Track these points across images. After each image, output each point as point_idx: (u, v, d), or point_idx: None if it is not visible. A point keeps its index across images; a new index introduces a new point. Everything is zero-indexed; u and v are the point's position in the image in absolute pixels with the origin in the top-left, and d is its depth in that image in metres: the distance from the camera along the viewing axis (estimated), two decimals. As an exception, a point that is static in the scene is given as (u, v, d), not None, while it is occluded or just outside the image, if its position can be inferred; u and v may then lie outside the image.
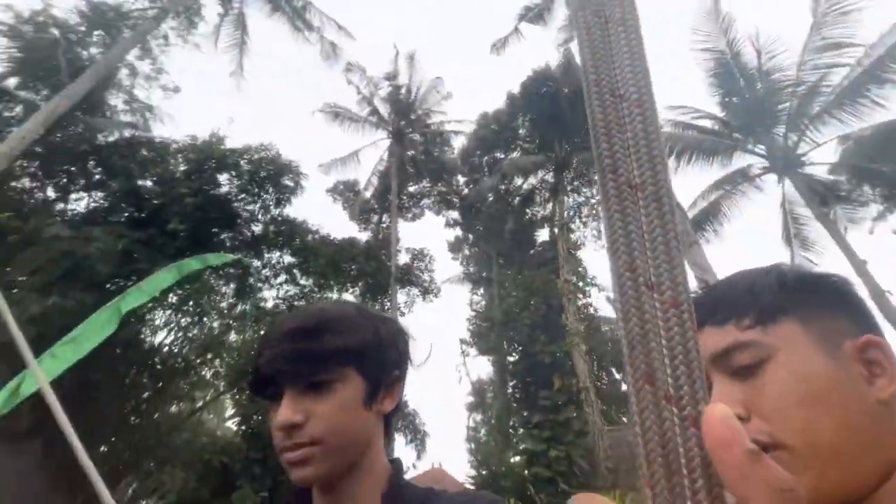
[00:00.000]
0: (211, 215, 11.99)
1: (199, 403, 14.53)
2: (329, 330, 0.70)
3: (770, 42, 12.33)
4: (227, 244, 12.86)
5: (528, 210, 21.02)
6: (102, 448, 11.74)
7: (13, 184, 12.07)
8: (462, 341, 19.50)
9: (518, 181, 20.54)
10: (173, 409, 14.04)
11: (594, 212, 21.11)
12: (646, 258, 0.28)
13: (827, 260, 13.26)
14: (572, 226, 18.59)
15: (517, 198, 20.90)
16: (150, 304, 11.99)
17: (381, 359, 0.74)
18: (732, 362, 0.50)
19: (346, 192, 22.65)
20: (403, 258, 19.53)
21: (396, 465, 0.76)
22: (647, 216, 0.28)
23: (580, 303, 16.15)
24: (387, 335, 0.76)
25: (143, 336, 12.44)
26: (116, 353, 11.02)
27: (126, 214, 12.37)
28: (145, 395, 12.76)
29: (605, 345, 16.88)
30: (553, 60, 19.31)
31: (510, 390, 16.97)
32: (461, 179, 22.57)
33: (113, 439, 11.83)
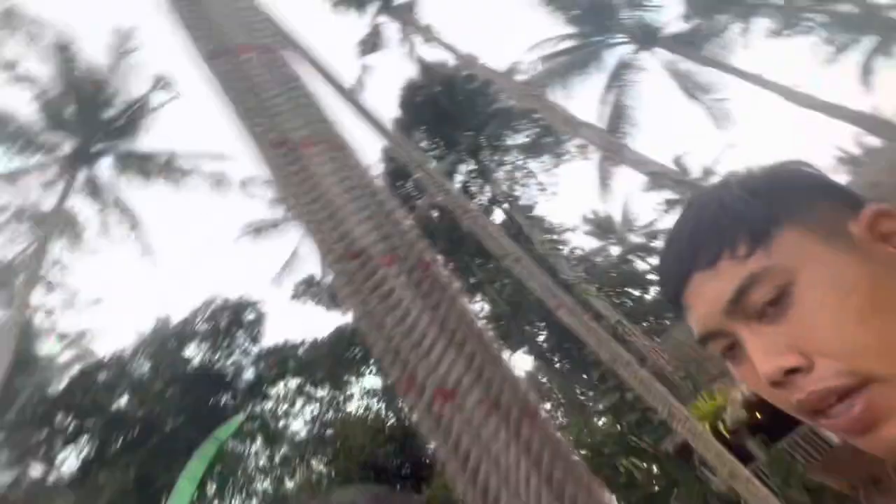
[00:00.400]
0: (200, 391, 11.43)
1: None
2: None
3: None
4: (232, 404, 12.28)
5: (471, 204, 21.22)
6: None
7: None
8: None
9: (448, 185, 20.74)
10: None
11: (527, 171, 21.61)
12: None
13: (729, 90, 14.06)
14: (515, 192, 18.89)
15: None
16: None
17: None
18: (752, 303, 0.40)
19: (308, 289, 22.19)
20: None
21: None
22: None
23: (564, 251, 16.30)
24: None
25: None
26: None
27: (119, 443, 11.62)
28: None
29: (609, 273, 17.03)
30: (411, 72, 19.89)
31: (558, 365, 16.81)
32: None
33: None
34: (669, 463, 9.70)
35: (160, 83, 14.44)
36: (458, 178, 20.81)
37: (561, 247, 16.48)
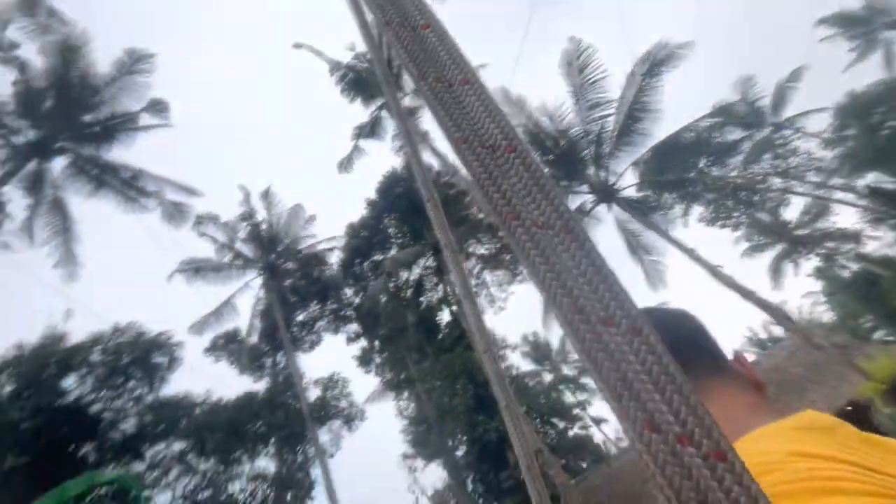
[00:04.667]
0: (61, 432, 9.67)
1: None
2: None
3: (557, 108, 15.54)
4: (92, 458, 10.36)
5: (422, 299, 21.41)
6: None
7: None
8: (405, 456, 17.93)
9: (404, 275, 21.06)
10: None
11: (480, 280, 22.46)
12: (586, 294, 0.25)
13: (670, 259, 15.98)
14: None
15: (409, 290, 21.26)
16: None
17: None
18: None
19: (227, 345, 20.48)
20: (314, 393, 17.90)
21: None
22: (568, 251, 0.26)
23: (503, 366, 16.36)
24: None
25: None
26: None
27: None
28: None
29: (537, 398, 17.09)
30: (397, 163, 21.30)
31: (471, 487, 15.79)
32: (349, 291, 22.29)
33: None
34: None
35: (155, 106, 14.58)
36: (416, 271, 21.25)
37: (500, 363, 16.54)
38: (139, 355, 10.89)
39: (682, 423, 0.21)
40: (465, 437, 14.93)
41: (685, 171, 17.66)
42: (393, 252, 21.07)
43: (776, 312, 11.66)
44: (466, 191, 15.42)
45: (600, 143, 15.33)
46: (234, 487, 12.39)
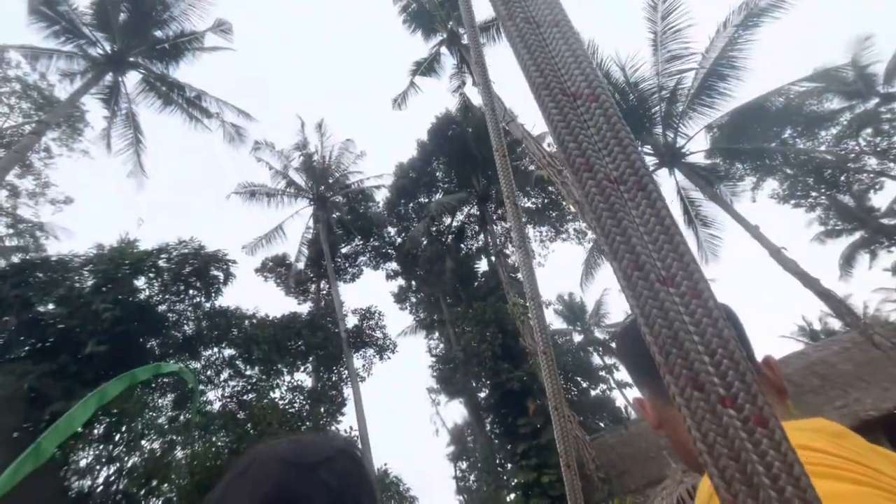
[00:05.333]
0: (133, 326, 10.94)
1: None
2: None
3: (630, 59, 14.28)
4: (157, 352, 11.73)
5: (462, 245, 21.58)
6: None
7: None
8: (430, 390, 19.01)
9: (447, 220, 21.15)
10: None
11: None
12: (649, 252, 0.25)
13: (726, 233, 15.02)
14: (506, 251, 19.32)
15: (450, 236, 21.43)
16: (71, 443, 10.44)
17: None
18: None
19: (276, 268, 21.82)
20: (352, 321, 18.97)
21: None
22: (637, 207, 0.26)
23: (531, 322, 16.56)
24: (341, 485, 0.61)
25: (69, 484, 10.70)
26: (39, 511, 9.35)
27: (27, 348, 10.90)
28: (83, 552, 10.80)
29: (565, 356, 17.30)
30: (451, 105, 20.67)
31: (488, 427, 16.65)
32: (392, 230, 22.77)
33: None
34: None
35: (220, 26, 14.68)
36: (459, 218, 21.26)
37: (529, 316, 16.72)
38: (199, 267, 11.85)
39: (728, 385, 0.22)
40: (488, 382, 15.54)
41: (766, 140, 16.05)
42: (438, 196, 21.07)
43: (838, 304, 10.88)
44: (520, 140, 14.86)
45: (673, 101, 14.10)
46: (275, 395, 13.73)
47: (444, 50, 18.32)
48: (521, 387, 14.17)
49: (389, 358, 18.93)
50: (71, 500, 10.31)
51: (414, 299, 22.84)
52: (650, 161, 15.36)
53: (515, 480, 13.04)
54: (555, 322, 25.62)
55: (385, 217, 22.16)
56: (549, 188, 18.92)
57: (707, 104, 13.87)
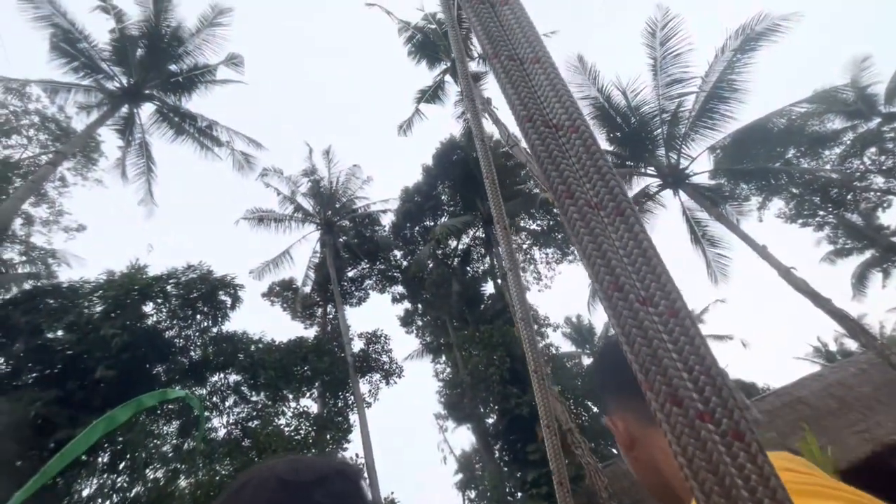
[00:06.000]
0: (140, 352, 10.95)
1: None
2: None
3: (632, 83, 14.53)
4: (164, 378, 11.69)
5: (468, 268, 21.58)
6: None
7: None
8: (437, 416, 18.67)
9: (452, 243, 21.23)
10: None
11: (528, 256, 22.20)
12: (629, 273, 0.27)
13: (734, 253, 14.91)
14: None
15: (455, 259, 21.47)
16: (75, 472, 10.31)
17: None
18: None
19: (283, 293, 21.90)
20: (358, 345, 18.85)
21: None
22: (616, 231, 0.28)
23: (540, 346, 16.37)
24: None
25: (70, 514, 10.51)
26: (39, 544, 9.17)
27: (35, 374, 10.92)
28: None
29: (573, 380, 16.99)
30: (455, 130, 21.08)
31: (497, 454, 16.24)
32: (398, 254, 22.87)
33: None
34: None
35: (232, 59, 15.23)
36: (465, 241, 21.35)
37: (537, 338, 16.53)
38: (206, 292, 11.92)
39: (705, 400, 0.23)
40: (496, 407, 15.25)
41: (769, 160, 16.10)
42: (444, 219, 21.22)
43: (852, 325, 10.66)
44: (524, 163, 15.03)
45: (675, 123, 14.25)
46: (281, 421, 13.55)
47: (447, 78, 18.81)
48: (530, 412, 13.88)
49: (396, 382, 18.72)
50: (72, 531, 10.13)
51: (420, 322, 22.73)
52: (654, 183, 15.43)
53: (526, 510, 12.61)
54: (563, 345, 25.26)
55: (391, 241, 22.31)
56: (555, 210, 19.00)
57: (709, 126, 14.01)
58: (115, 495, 11.10)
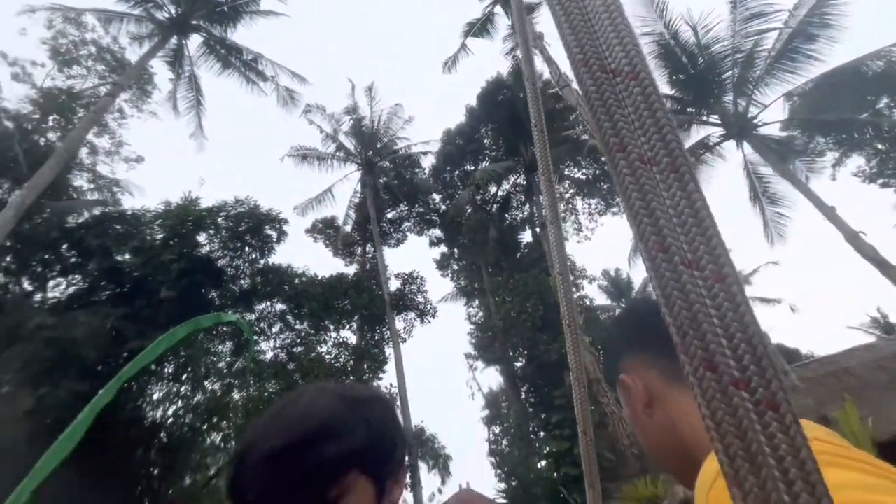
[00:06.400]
0: (196, 278, 11.86)
1: (213, 471, 14.05)
2: (319, 441, 0.61)
3: (703, 17, 13.02)
4: (217, 303, 12.70)
5: (507, 215, 21.33)
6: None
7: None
8: (467, 356, 19.44)
9: (492, 189, 20.89)
10: (187, 481, 13.54)
11: (570, 206, 21.56)
12: (677, 234, 0.25)
13: (795, 212, 13.82)
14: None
15: (494, 205, 21.22)
16: (146, 378, 11.69)
17: (381, 452, 0.67)
18: None
19: (325, 230, 22.65)
20: (395, 284, 19.51)
21: None
22: (668, 189, 0.26)
23: (575, 296, 16.35)
24: (379, 423, 0.68)
25: (143, 413, 12.08)
26: (121, 435, 10.67)
27: (108, 292, 12.14)
28: (155, 471, 12.31)
29: (605, 333, 17.02)
30: (503, 69, 19.95)
31: (524, 396, 16.91)
32: (437, 197, 22.83)
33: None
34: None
35: (275, -12, 14.76)
36: (505, 187, 20.93)
37: (572, 289, 16.50)
38: (254, 225, 12.54)
39: (742, 368, 0.22)
40: (525, 352, 15.66)
41: (856, 110, 14.33)
42: (485, 164, 20.75)
43: (919, 296, 9.88)
44: (574, 107, 14.15)
45: (749, 65, 12.80)
46: (322, 349, 14.58)
47: (497, 9, 17.54)
48: (559, 359, 14.18)
49: (430, 322, 19.44)
50: (144, 428, 11.67)
51: (456, 267, 23.08)
52: (715, 132, 14.24)
53: (547, 448, 13.29)
54: (598, 298, 25.09)
55: (430, 184, 22.20)
56: (603, 160, 18.09)
57: (789, 69, 12.51)
58: (179, 401, 12.59)
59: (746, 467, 0.21)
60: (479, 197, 20.38)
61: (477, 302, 21.47)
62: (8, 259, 11.74)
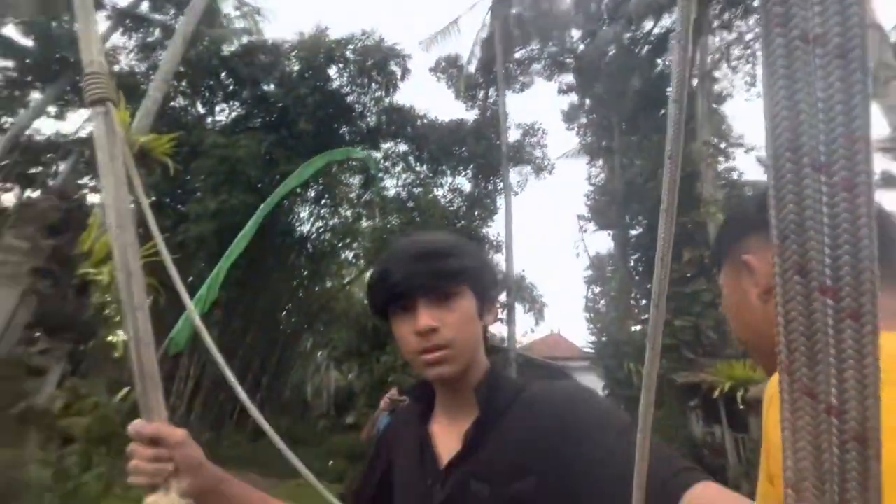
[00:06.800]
0: (329, 111, 12.63)
1: (346, 280, 17.14)
2: (452, 254, 0.82)
3: None
4: (347, 138, 13.66)
5: (658, 61, 17.79)
6: (283, 313, 14.90)
7: (171, 104, 13.95)
8: (580, 217, 18.97)
9: (647, 25, 17.16)
10: (328, 284, 16.84)
11: (748, 51, 17.01)
12: (816, 132, 0.21)
13: None
14: (717, 74, 15.40)
15: (646, 47, 17.68)
16: (295, 198, 13.76)
17: (487, 279, 0.86)
18: None
19: (448, 69, 21.56)
20: (514, 136, 18.69)
21: (494, 365, 0.88)
22: (826, 77, 0.21)
23: (721, 167, 14.11)
24: (486, 262, 0.89)
25: (294, 226, 14.62)
26: (276, 242, 13.22)
27: (259, 120, 13.68)
28: (305, 272, 15.44)
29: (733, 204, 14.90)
30: None
31: (632, 264, 16.50)
32: (576, 35, 19.64)
33: (289, 306, 14.87)
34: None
35: None
36: (663, 23, 16.98)
37: (720, 158, 14.12)
38: (379, 60, 12.39)
39: (836, 278, 0.21)
40: (644, 221, 14.70)
41: None
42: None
43: None
44: None
45: None
46: (438, 192, 15.37)
47: None
48: (682, 233, 13.10)
49: (545, 178, 18.82)
50: (295, 239, 14.23)
51: (584, 120, 20.93)
52: None
53: (645, 316, 13.36)
54: (751, 172, 21.33)
55: (571, 16, 18.91)
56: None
57: None
58: (319, 221, 14.84)
59: (803, 360, 0.21)
60: (628, 35, 17.03)
61: (601, 162, 19.86)
62: (183, 83, 13.54)
